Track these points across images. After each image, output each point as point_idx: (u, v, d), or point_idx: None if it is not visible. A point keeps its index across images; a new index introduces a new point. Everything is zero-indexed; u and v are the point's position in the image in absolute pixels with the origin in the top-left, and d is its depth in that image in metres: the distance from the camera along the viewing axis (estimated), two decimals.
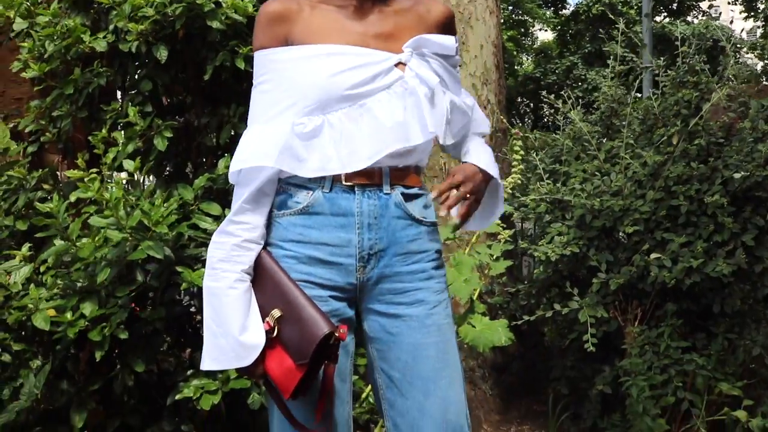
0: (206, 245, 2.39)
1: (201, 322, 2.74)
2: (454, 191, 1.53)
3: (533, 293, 3.41)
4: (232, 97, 2.66)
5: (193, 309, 2.74)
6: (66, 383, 2.44)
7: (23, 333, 2.29)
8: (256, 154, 1.50)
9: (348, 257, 1.52)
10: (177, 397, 2.36)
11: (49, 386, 2.45)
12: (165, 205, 2.28)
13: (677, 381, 2.93)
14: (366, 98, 1.49)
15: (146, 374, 2.60)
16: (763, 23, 12.45)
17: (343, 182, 1.51)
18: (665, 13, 12.31)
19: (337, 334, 1.46)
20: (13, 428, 2.32)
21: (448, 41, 1.57)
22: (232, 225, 1.53)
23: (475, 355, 3.67)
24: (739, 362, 3.11)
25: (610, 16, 4.04)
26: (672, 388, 2.94)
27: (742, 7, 13.02)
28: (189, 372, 2.45)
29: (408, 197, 1.56)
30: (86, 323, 2.25)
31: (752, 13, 13.14)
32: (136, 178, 2.46)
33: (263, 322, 1.49)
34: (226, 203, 2.47)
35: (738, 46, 3.97)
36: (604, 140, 3.39)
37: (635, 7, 10.05)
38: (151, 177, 2.74)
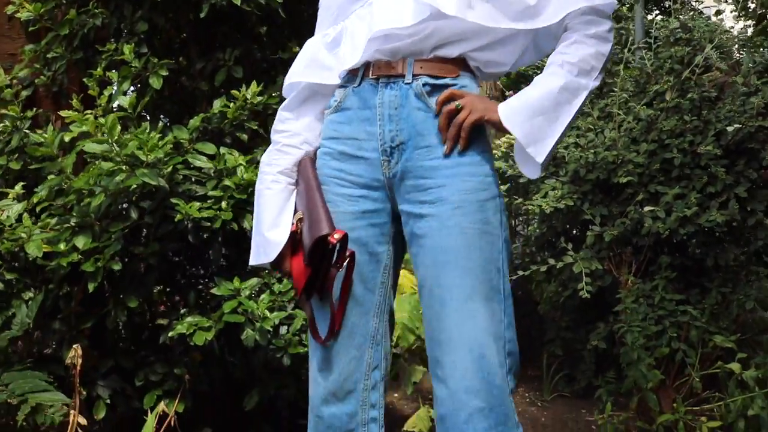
0: (200, 183, 2.42)
1: (191, 267, 2.74)
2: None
3: (527, 252, 3.41)
4: (227, 41, 2.67)
5: (179, 258, 2.72)
6: (58, 323, 2.43)
7: (16, 264, 2.28)
8: (291, 72, 1.62)
9: (373, 151, 1.50)
10: (170, 334, 2.35)
11: (42, 327, 2.44)
12: (160, 141, 2.29)
13: (671, 332, 2.93)
14: None
15: (139, 316, 2.60)
16: (754, 23, 12.51)
17: (370, 76, 1.52)
18: (657, 11, 12.40)
19: (329, 237, 1.45)
20: (4, 363, 2.30)
21: None
22: (275, 134, 1.63)
23: None
24: (733, 317, 3.11)
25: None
26: (666, 338, 2.93)
27: (732, 7, 13.11)
28: (182, 311, 2.44)
29: (436, 87, 1.49)
30: (79, 256, 2.24)
31: (743, 13, 13.23)
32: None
33: (293, 223, 1.54)
34: (220, 143, 2.48)
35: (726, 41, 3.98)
36: (597, 100, 3.40)
37: (627, 4, 10.07)
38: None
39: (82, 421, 1.79)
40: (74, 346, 1.79)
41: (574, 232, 3.28)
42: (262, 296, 2.33)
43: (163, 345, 2.58)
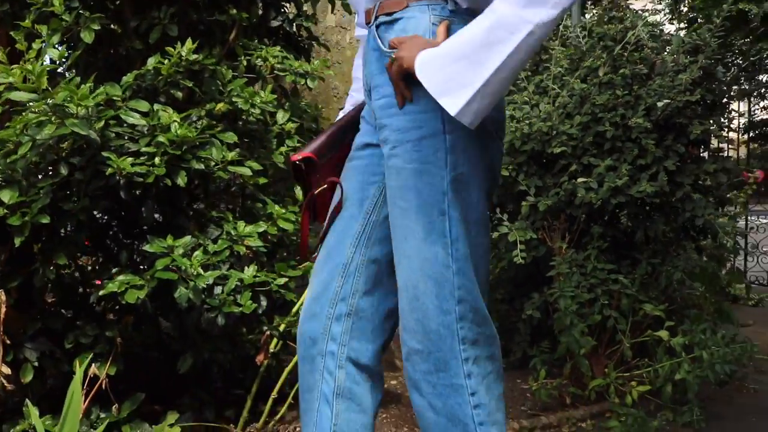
0: (134, 140, 2.37)
1: (123, 228, 2.67)
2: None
3: None
4: (162, 1, 2.63)
5: (110, 218, 2.65)
6: None
7: None
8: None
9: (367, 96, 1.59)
10: (101, 293, 2.29)
11: None
12: (92, 96, 2.23)
13: (603, 300, 3.00)
14: None
15: (69, 277, 2.53)
16: (686, 25, 12.96)
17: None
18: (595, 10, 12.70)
19: (292, 156, 1.59)
20: None
21: None
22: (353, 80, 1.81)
23: None
24: (662, 287, 3.20)
25: None
26: (598, 306, 3.00)
27: (666, 9, 13.48)
28: (114, 270, 2.38)
29: (386, 24, 1.47)
30: (5, 211, 2.17)
31: (675, 15, 13.63)
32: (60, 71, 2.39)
33: None
34: (154, 101, 2.44)
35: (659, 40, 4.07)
36: (533, 76, 3.46)
37: None
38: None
39: (6, 370, 1.73)
40: None
41: (509, 206, 3.32)
42: (196, 253, 2.30)
43: (94, 308, 2.53)
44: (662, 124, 3.11)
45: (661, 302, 3.16)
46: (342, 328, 1.50)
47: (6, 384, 1.77)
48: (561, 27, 3.45)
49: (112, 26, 2.66)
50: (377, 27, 1.48)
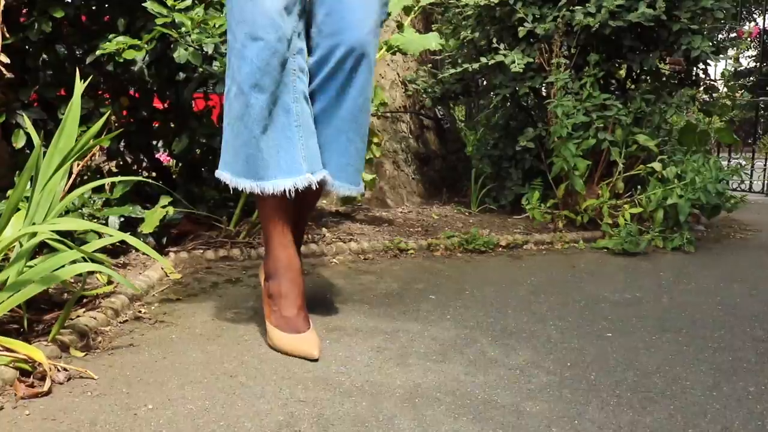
0: None
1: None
2: None
3: (459, 62, 3.43)
4: None
5: None
6: None
7: None
8: None
9: None
10: (97, 53, 2.25)
11: None
12: None
13: (598, 123, 3.00)
14: None
15: (64, 48, 2.48)
16: None
17: None
18: None
19: None
20: None
21: None
22: None
23: (399, 139, 3.66)
24: (655, 125, 3.21)
25: None
26: (593, 131, 3.00)
27: None
28: (110, 35, 2.33)
29: None
30: None
31: None
32: None
33: None
34: None
35: None
36: None
37: None
38: None
39: (4, 59, 1.68)
40: None
41: (508, 39, 3.31)
42: (197, 9, 2.26)
43: (91, 82, 2.48)
44: None
45: (653, 138, 3.17)
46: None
47: (5, 72, 1.73)
48: None
49: None
50: None
